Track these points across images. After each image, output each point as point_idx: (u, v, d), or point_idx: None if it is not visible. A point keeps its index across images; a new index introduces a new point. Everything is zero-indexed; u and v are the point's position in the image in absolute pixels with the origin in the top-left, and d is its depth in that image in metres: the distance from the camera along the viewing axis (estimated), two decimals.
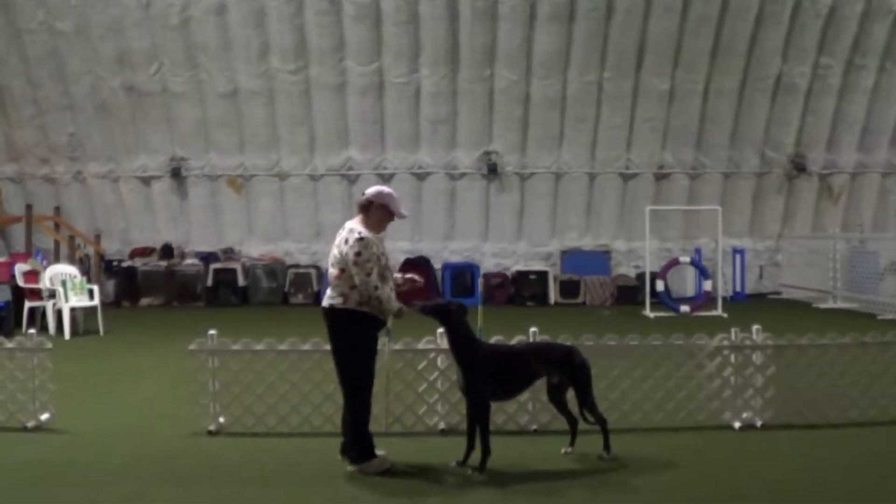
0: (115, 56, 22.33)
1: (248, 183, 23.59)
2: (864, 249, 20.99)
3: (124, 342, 15.78)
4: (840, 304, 20.91)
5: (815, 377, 9.11)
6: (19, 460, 7.90)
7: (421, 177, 23.45)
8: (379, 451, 7.71)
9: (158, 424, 9.27)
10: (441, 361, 8.82)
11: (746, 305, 21.41)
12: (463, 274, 22.43)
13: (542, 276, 22.66)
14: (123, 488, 7.07)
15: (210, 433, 8.72)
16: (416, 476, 7.44)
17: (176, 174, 23.32)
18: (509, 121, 23.11)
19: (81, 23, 21.95)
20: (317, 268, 22.41)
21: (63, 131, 23.29)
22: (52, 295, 16.26)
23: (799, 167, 23.83)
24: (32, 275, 16.86)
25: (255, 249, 23.67)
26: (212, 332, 8.88)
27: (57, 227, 22.34)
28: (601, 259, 23.37)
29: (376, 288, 7.34)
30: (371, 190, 7.78)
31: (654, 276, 20.07)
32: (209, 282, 22.48)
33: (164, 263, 22.74)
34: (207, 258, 22.96)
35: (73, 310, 16.28)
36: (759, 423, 8.90)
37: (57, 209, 22.86)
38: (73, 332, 16.10)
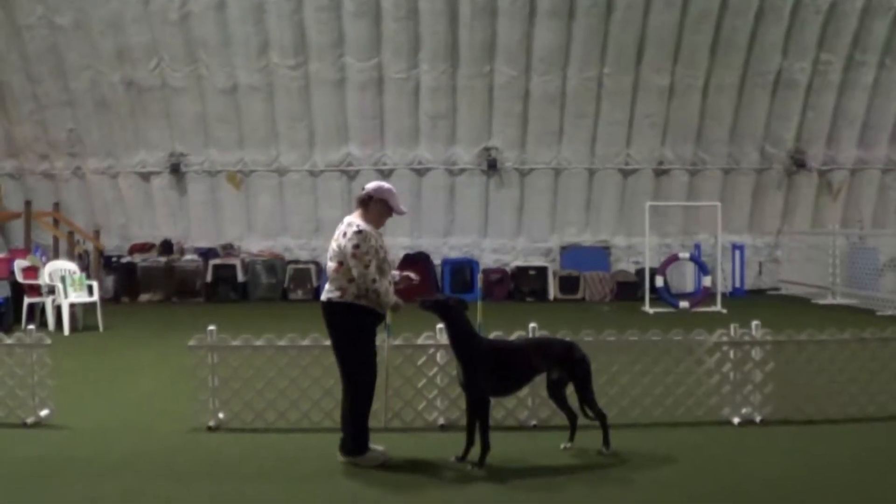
0: (115, 51, 22.31)
1: (247, 178, 23.58)
2: (863, 245, 21.00)
3: (123, 338, 15.78)
4: (839, 301, 20.90)
5: (814, 373, 9.12)
6: (19, 456, 7.90)
7: (420, 172, 23.43)
8: (378, 447, 7.73)
9: (158, 420, 9.27)
10: (440, 357, 8.82)
11: (746, 301, 21.41)
12: (462, 270, 22.42)
13: (542, 271, 22.66)
14: (123, 484, 7.08)
15: (209, 429, 8.72)
16: (415, 471, 7.45)
17: (175, 170, 23.30)
18: (509, 116, 23.10)
19: (81, 18, 21.93)
20: (316, 263, 22.40)
21: (62, 127, 23.27)
22: (52, 291, 16.25)
23: (799, 163, 23.82)
24: (32, 271, 16.85)
25: (254, 245, 23.65)
26: (211, 327, 8.88)
27: (56, 222, 22.33)
28: (601, 255, 23.37)
29: (374, 280, 7.36)
30: (371, 185, 7.80)
31: (653, 272, 20.07)
32: (208, 278, 22.46)
33: (163, 259, 22.73)
34: (207, 254, 22.95)
35: (72, 306, 16.27)
36: (758, 419, 8.91)
37: (56, 205, 22.86)
38: (73, 328, 16.10)
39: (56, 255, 20.33)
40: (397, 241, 22.33)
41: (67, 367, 11.40)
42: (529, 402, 8.83)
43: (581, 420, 8.03)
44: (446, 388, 8.82)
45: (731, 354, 9.01)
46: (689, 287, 22.52)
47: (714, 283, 20.34)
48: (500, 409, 8.70)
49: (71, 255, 20.48)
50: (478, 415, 7.45)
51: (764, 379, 8.97)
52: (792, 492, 6.90)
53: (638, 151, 23.54)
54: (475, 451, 7.43)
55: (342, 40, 22.26)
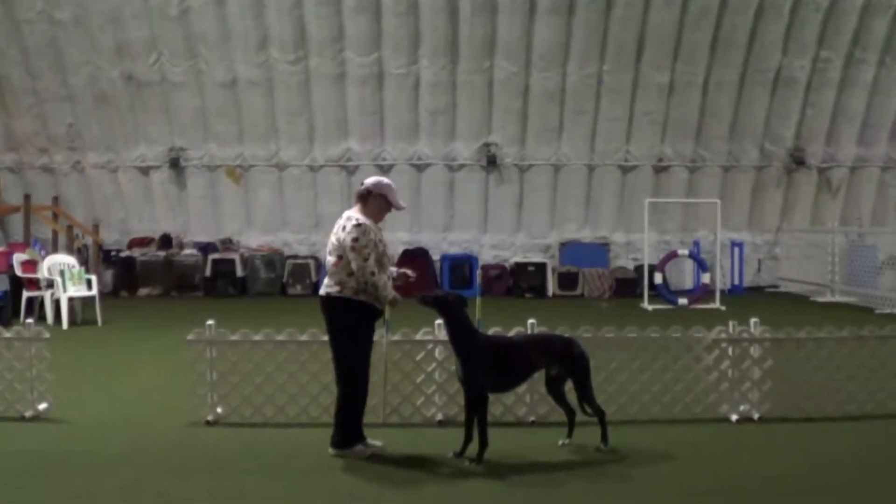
0: (114, 46, 22.30)
1: (246, 173, 23.58)
2: (862, 243, 20.99)
3: (122, 332, 15.78)
4: (838, 298, 20.91)
5: (812, 371, 9.13)
6: (17, 450, 7.90)
7: (420, 168, 23.43)
8: (376, 442, 7.75)
9: (156, 415, 9.28)
10: (439, 352, 8.83)
11: (744, 298, 21.41)
12: (461, 265, 22.43)
13: (541, 267, 22.66)
14: (121, 478, 7.08)
15: (208, 423, 8.73)
16: (413, 467, 7.45)
17: (175, 164, 23.30)
18: (509, 112, 23.10)
19: (80, 13, 21.90)
20: (315, 258, 22.41)
21: (62, 121, 23.26)
22: (51, 285, 16.25)
23: (798, 161, 23.83)
24: (31, 264, 16.86)
25: (253, 240, 23.66)
26: (210, 322, 8.88)
27: (55, 216, 22.30)
28: (600, 251, 23.38)
29: (373, 273, 7.38)
30: (370, 180, 7.82)
31: (652, 269, 20.08)
32: (207, 272, 22.46)
33: (162, 254, 22.73)
34: (206, 248, 22.95)
35: (71, 299, 16.27)
36: (756, 416, 8.92)
37: (55, 199, 22.82)
38: (72, 322, 16.10)
39: (55, 249, 20.31)
40: (396, 236, 22.34)
41: (66, 361, 11.39)
42: (528, 398, 8.84)
43: (579, 416, 8.04)
44: (445, 383, 8.82)
45: (730, 352, 9.01)
46: (688, 284, 22.55)
47: (713, 280, 20.36)
48: (499, 405, 8.70)
49: (70, 249, 20.45)
50: (476, 411, 7.46)
51: (762, 376, 8.98)
52: (790, 489, 6.90)
53: (637, 148, 23.54)
54: (473, 447, 7.44)
55: (342, 35, 22.24)
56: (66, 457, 7.71)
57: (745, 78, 23.11)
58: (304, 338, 8.88)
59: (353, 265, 7.39)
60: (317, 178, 23.49)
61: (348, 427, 7.61)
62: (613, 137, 23.40)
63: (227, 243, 23.36)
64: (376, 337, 8.08)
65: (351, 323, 7.53)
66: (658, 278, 19.94)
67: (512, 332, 8.67)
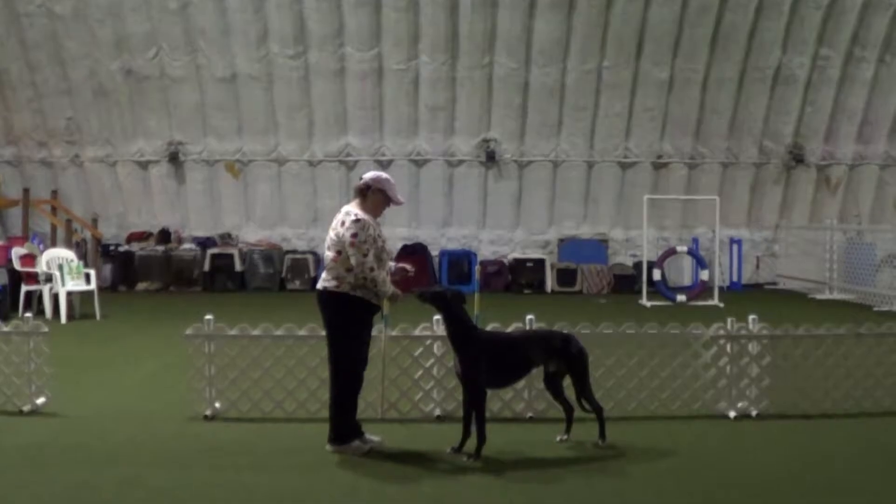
0: (114, 40, 22.28)
1: (245, 168, 23.57)
2: (860, 241, 20.99)
3: (121, 326, 15.77)
4: (836, 296, 20.95)
5: (810, 367, 9.13)
6: (15, 444, 7.90)
7: (419, 163, 23.43)
8: (374, 437, 7.75)
9: (154, 409, 9.28)
10: (437, 348, 8.83)
11: (743, 295, 21.43)
12: (460, 261, 22.42)
13: (540, 263, 22.65)
14: (119, 472, 7.08)
15: (206, 418, 8.73)
16: (411, 462, 7.45)
17: (174, 159, 23.28)
18: (508, 108, 23.10)
19: (80, 6, 21.88)
20: (314, 254, 22.39)
21: (61, 115, 23.24)
22: (49, 279, 16.23)
23: (797, 158, 23.82)
24: (29, 258, 16.84)
25: (252, 235, 23.65)
26: (208, 317, 8.88)
27: (54, 210, 22.31)
28: (598, 247, 23.39)
29: (372, 269, 7.38)
30: (369, 175, 7.80)
31: (651, 265, 20.09)
32: (206, 267, 22.43)
33: (161, 248, 22.71)
34: (205, 243, 22.94)
35: (69, 294, 16.25)
36: (754, 413, 8.92)
37: (54, 193, 22.83)
38: (70, 317, 16.09)
39: (54, 243, 20.33)
40: (395, 231, 22.35)
41: (64, 355, 11.39)
42: (526, 393, 8.84)
43: (577, 412, 8.04)
44: (443, 379, 8.82)
45: (728, 348, 9.01)
46: (687, 281, 22.56)
47: (711, 276, 20.36)
48: (497, 400, 8.71)
49: (68, 244, 20.48)
50: (474, 406, 7.46)
51: (760, 373, 8.98)
52: (788, 486, 6.91)
53: (637, 145, 23.55)
54: (471, 442, 7.44)
55: (342, 30, 22.24)
56: (63, 451, 7.71)
57: (745, 75, 23.12)
58: (302, 333, 8.87)
59: (353, 261, 7.39)
60: (316, 173, 23.48)
61: (344, 423, 7.61)
62: (613, 134, 23.41)
63: (226, 238, 23.35)
64: (374, 332, 8.09)
65: (347, 318, 7.53)
66: (657, 275, 19.95)
67: (510, 328, 8.67)
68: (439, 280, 21.73)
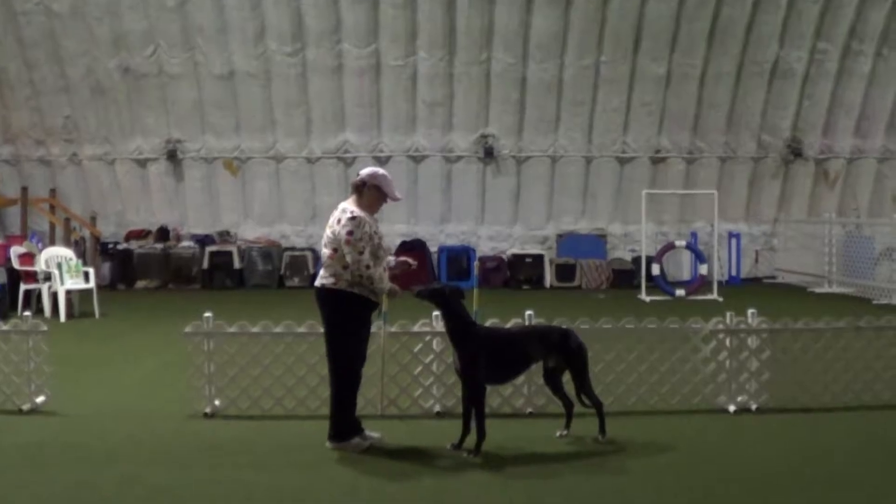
0: (112, 38, 22.24)
1: (244, 165, 23.54)
2: (859, 234, 20.99)
3: (120, 325, 15.78)
4: (835, 289, 20.94)
5: (810, 361, 9.15)
6: (15, 443, 7.90)
7: (417, 160, 23.41)
8: (374, 433, 7.75)
9: (154, 407, 9.28)
10: (437, 344, 8.83)
11: (742, 289, 21.42)
12: (459, 257, 22.41)
13: (538, 259, 22.64)
14: (119, 470, 7.09)
15: (205, 416, 8.73)
16: (411, 459, 7.46)
17: (172, 156, 23.24)
18: (506, 104, 23.07)
19: (77, 4, 21.83)
20: (313, 251, 22.34)
21: (59, 113, 23.20)
22: (48, 277, 16.21)
23: (795, 152, 23.81)
24: (28, 257, 16.83)
25: (250, 232, 23.62)
26: (207, 314, 8.88)
27: (52, 209, 22.31)
28: (597, 243, 23.36)
29: (368, 267, 7.37)
30: (365, 171, 7.80)
31: (649, 260, 20.08)
32: (205, 264, 22.40)
33: (159, 246, 22.67)
34: (203, 241, 22.91)
35: (68, 292, 16.24)
36: (754, 407, 8.93)
37: (52, 191, 22.82)
38: (69, 315, 16.08)
39: (52, 242, 20.32)
40: (394, 228, 22.34)
41: (63, 353, 11.38)
42: (525, 389, 8.84)
43: (577, 408, 8.05)
44: (442, 375, 8.82)
45: (728, 342, 9.02)
46: (686, 275, 22.53)
47: (710, 271, 20.36)
48: (496, 396, 8.71)
49: (67, 242, 20.46)
50: (474, 402, 7.46)
51: (760, 367, 8.99)
52: (787, 480, 6.91)
53: (635, 139, 23.53)
54: (471, 438, 7.45)
55: (339, 27, 22.21)
56: (63, 449, 7.71)
57: (743, 69, 23.09)
58: (301, 330, 8.87)
59: (348, 259, 7.38)
60: (314, 169, 23.46)
61: (344, 419, 7.61)
62: (610, 129, 23.38)
63: (225, 235, 23.32)
64: (374, 329, 8.09)
65: (345, 315, 7.53)
66: (655, 269, 19.94)
67: (509, 324, 8.67)
68: (438, 276, 21.73)
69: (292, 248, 22.95)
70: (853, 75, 23.37)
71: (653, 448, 7.71)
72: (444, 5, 21.93)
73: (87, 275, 16.81)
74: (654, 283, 19.90)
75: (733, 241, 23.21)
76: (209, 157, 23.41)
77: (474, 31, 22.23)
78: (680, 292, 19.66)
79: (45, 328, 9.09)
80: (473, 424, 7.44)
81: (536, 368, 8.29)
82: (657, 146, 23.62)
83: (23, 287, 16.41)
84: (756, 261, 24.26)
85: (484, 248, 23.44)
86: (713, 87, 23.17)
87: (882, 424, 8.56)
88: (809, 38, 22.85)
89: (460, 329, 7.56)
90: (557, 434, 7.98)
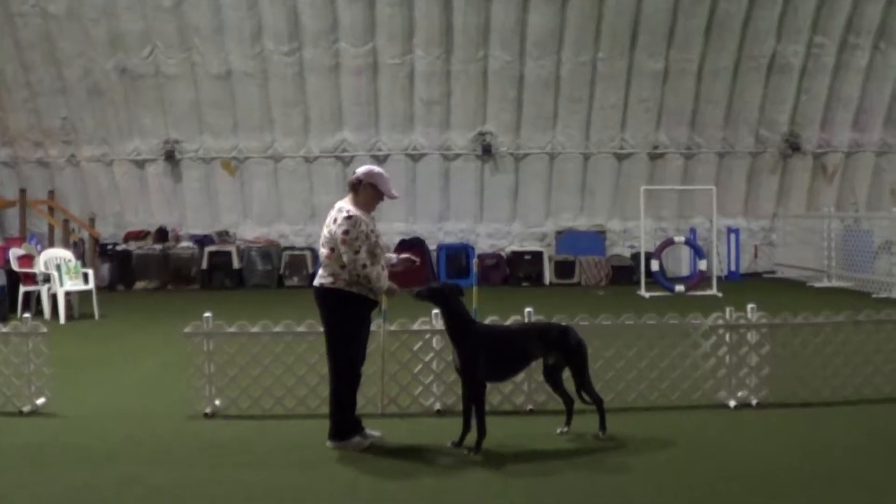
0: (108, 39, 22.24)
1: (242, 165, 23.54)
2: (858, 228, 21.00)
3: (119, 326, 15.77)
4: (834, 283, 20.96)
5: (809, 356, 9.14)
6: (15, 444, 7.90)
7: (415, 158, 23.41)
8: (374, 432, 7.75)
9: (154, 407, 9.28)
10: (436, 342, 8.82)
11: (741, 285, 21.43)
12: (458, 255, 22.42)
13: (537, 256, 22.66)
14: (119, 471, 7.09)
15: (206, 416, 8.73)
16: (411, 457, 7.45)
17: (170, 157, 23.25)
18: (503, 101, 23.08)
19: (74, 6, 21.83)
20: (312, 250, 22.36)
21: (56, 115, 23.20)
22: (47, 279, 16.21)
23: (793, 146, 23.83)
24: (27, 259, 16.83)
25: (249, 232, 23.63)
26: (207, 314, 8.87)
27: (51, 210, 22.31)
28: (596, 239, 23.38)
29: (364, 266, 7.35)
30: (361, 169, 7.78)
31: (648, 256, 20.10)
32: (204, 265, 22.42)
33: (158, 247, 22.67)
34: (202, 241, 22.92)
35: (67, 294, 16.24)
36: (754, 402, 8.93)
37: (51, 193, 22.83)
38: (69, 317, 16.08)
39: (51, 244, 20.33)
40: (393, 226, 22.37)
41: (63, 355, 11.39)
42: (525, 386, 8.84)
43: (577, 404, 8.04)
44: (442, 373, 8.82)
45: (727, 338, 9.02)
46: (685, 271, 22.56)
47: (709, 266, 20.37)
48: (496, 393, 8.71)
49: (66, 244, 20.46)
50: (473, 400, 7.46)
51: (760, 362, 8.99)
52: (788, 475, 6.91)
53: (632, 136, 23.54)
54: (472, 436, 7.45)
55: (336, 26, 22.21)
56: (63, 450, 7.71)
57: (740, 64, 23.10)
58: (301, 329, 8.87)
59: (345, 258, 7.37)
60: (312, 169, 23.46)
61: (344, 419, 7.61)
62: (608, 125, 23.40)
63: (224, 235, 23.33)
64: (373, 327, 8.09)
65: (344, 314, 7.52)
66: (654, 265, 19.95)
67: (509, 321, 8.67)
68: (437, 274, 21.75)
69: (291, 248, 22.97)
70: (850, 69, 23.38)
71: (653, 444, 7.71)
72: (441, 3, 21.93)
73: (86, 276, 16.80)
74: (654, 279, 19.93)
75: (732, 236, 23.23)
76: (207, 158, 23.42)
77: (471, 29, 22.23)
78: (679, 288, 19.67)
79: (44, 330, 9.08)
80: (474, 422, 7.44)
81: (536, 365, 8.29)
82: (655, 142, 23.63)
83: (22, 289, 16.41)
84: (755, 256, 24.30)
85: (483, 245, 23.46)
86: (710, 82, 23.18)
87: (882, 418, 8.56)
88: (806, 33, 22.87)
89: (460, 327, 7.56)
90: (558, 431, 7.98)
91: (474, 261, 12.04)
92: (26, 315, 9.41)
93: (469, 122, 23.19)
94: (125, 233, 23.43)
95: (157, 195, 23.79)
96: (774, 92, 23.47)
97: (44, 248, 18.19)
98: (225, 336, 8.87)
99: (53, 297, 16.15)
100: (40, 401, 9.01)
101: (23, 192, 21.47)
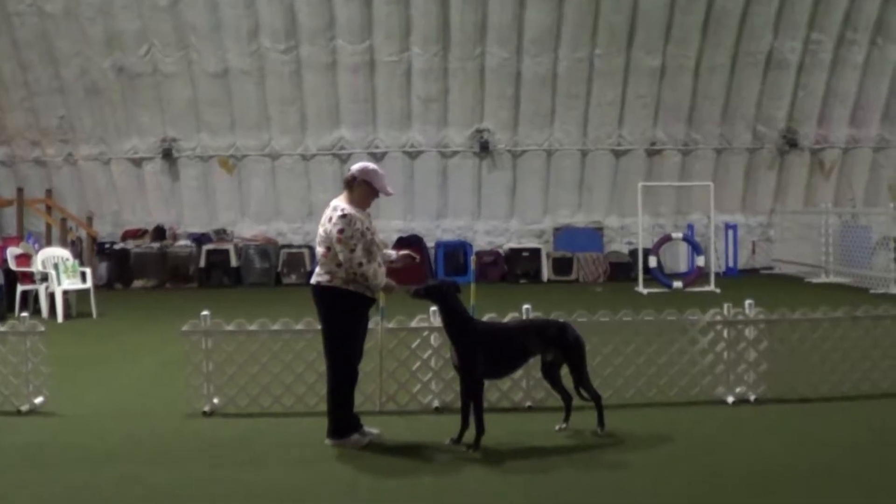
0: (105, 38, 22.20)
1: (239, 163, 23.52)
2: (855, 224, 21.02)
3: (117, 324, 15.76)
4: (832, 279, 20.97)
5: (807, 351, 9.15)
6: (14, 443, 7.90)
7: (413, 155, 23.40)
8: (372, 429, 7.75)
9: (153, 406, 9.28)
10: (434, 339, 8.82)
11: (739, 281, 21.44)
12: (456, 252, 22.43)
13: (535, 253, 22.66)
14: (118, 470, 7.09)
15: (204, 414, 8.73)
16: (410, 454, 7.46)
17: (167, 155, 23.22)
18: (501, 98, 23.06)
19: (71, 5, 21.79)
20: (309, 248, 22.32)
21: (53, 114, 23.16)
22: (45, 278, 16.21)
23: (791, 142, 23.83)
24: (25, 258, 16.83)
25: (247, 230, 23.61)
26: (205, 313, 8.87)
27: (49, 209, 22.29)
28: (594, 236, 23.37)
29: (360, 264, 7.35)
30: (356, 166, 7.78)
31: (646, 253, 20.10)
32: (202, 263, 22.41)
33: (156, 245, 22.66)
34: (200, 239, 22.91)
35: (65, 293, 16.23)
36: (752, 398, 8.94)
37: (48, 192, 22.81)
38: (66, 315, 16.08)
39: (49, 243, 20.31)
40: (390, 224, 22.36)
41: (61, 354, 11.38)
42: (524, 383, 8.84)
43: (576, 401, 8.05)
44: (441, 370, 8.82)
45: (725, 334, 9.02)
46: (683, 267, 22.53)
47: (707, 262, 20.38)
48: (495, 390, 8.72)
49: (64, 242, 20.45)
50: (472, 397, 7.46)
51: (758, 358, 9.00)
52: (786, 470, 6.91)
53: (630, 132, 23.53)
54: (470, 433, 7.45)
55: (333, 23, 22.18)
56: (62, 450, 7.71)
57: (737, 60, 23.09)
58: (299, 327, 8.87)
59: (341, 256, 7.37)
60: (309, 166, 23.44)
61: (342, 416, 7.61)
62: (606, 122, 23.39)
63: (221, 234, 23.32)
64: (371, 325, 8.09)
65: (342, 312, 7.53)
66: (652, 262, 19.97)
67: (507, 318, 8.67)
68: (435, 271, 21.74)
69: (289, 246, 22.97)
70: (847, 65, 23.39)
71: (651, 440, 7.71)
72: (438, 0, 21.90)
73: (84, 275, 16.80)
74: (652, 276, 19.93)
75: (730, 232, 23.23)
76: (205, 156, 23.39)
77: (468, 26, 22.22)
78: (677, 284, 19.67)
79: (42, 329, 9.08)
80: (472, 419, 7.45)
81: (534, 362, 8.30)
82: (652, 138, 23.62)
83: (20, 288, 16.41)
84: (753, 252, 24.29)
85: (481, 242, 23.46)
86: (708, 78, 23.17)
87: (880, 414, 8.57)
88: (803, 29, 22.86)
89: (458, 324, 7.56)
90: (556, 428, 7.98)
91: (472, 258, 12.08)
92: (24, 314, 9.42)
93: (466, 119, 23.18)
94: (123, 231, 23.42)
95: (154, 194, 23.76)
96: (772, 88, 23.46)
97: (41, 246, 18.18)
98: (223, 334, 8.87)
99: (51, 296, 16.14)
100: (38, 400, 9.01)
101: (20, 191, 21.47)
